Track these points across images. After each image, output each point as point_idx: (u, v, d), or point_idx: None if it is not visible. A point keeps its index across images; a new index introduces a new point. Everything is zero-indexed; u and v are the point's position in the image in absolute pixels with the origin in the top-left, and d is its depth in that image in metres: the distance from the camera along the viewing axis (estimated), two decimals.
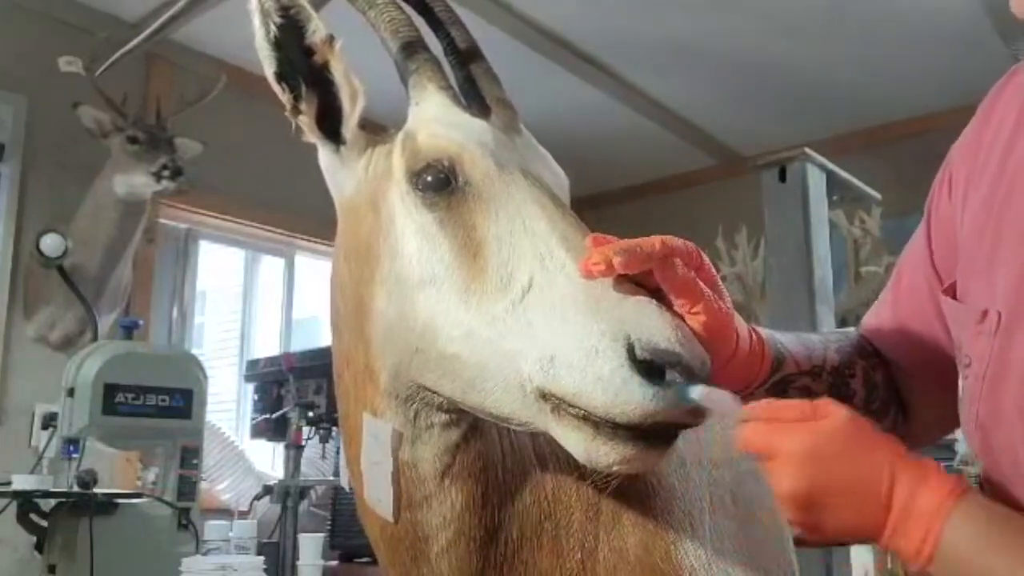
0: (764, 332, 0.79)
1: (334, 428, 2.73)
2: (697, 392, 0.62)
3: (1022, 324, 0.67)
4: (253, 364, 3.12)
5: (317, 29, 0.79)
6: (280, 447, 3.02)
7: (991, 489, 0.75)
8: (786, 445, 0.61)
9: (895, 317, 0.88)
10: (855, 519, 0.60)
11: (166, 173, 3.00)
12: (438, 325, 0.73)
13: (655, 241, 0.67)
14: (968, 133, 0.81)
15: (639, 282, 0.68)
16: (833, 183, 2.81)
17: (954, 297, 0.76)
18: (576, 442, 0.66)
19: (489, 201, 0.75)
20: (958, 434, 2.85)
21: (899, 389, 0.89)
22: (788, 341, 0.81)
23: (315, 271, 4.30)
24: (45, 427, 2.52)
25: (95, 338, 2.90)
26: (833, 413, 0.62)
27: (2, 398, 3.07)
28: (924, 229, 0.85)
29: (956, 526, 0.57)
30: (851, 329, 0.94)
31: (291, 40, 0.80)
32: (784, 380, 0.79)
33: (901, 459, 0.60)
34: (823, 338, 0.87)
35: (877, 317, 0.91)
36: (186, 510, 2.33)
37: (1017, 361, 0.67)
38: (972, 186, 0.77)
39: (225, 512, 3.39)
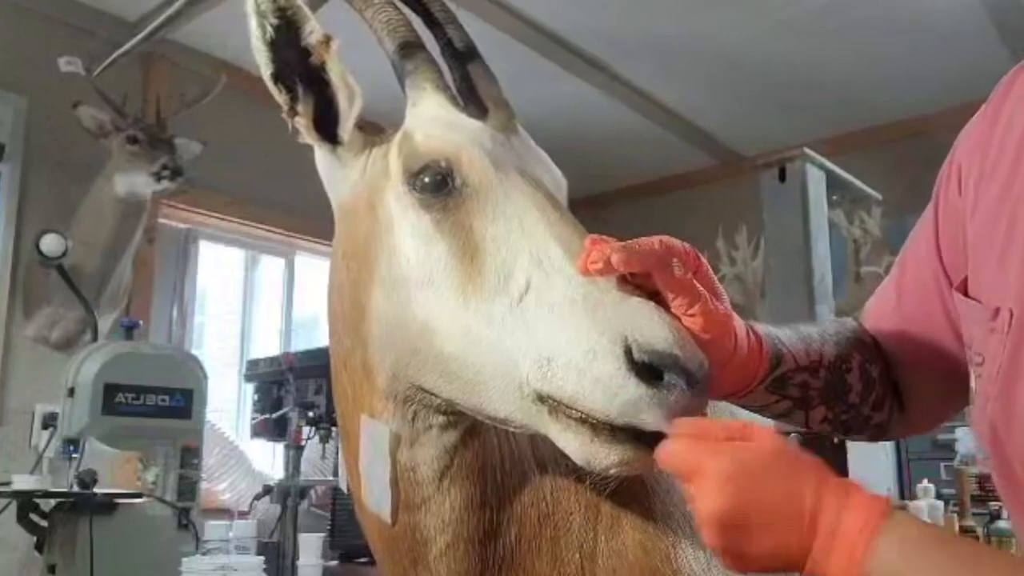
0: (762, 329, 0.78)
1: (334, 428, 2.73)
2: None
3: None
4: (253, 364, 3.11)
5: (314, 30, 0.79)
6: (280, 447, 3.01)
7: (1000, 489, 0.74)
8: (711, 464, 0.58)
9: (898, 310, 0.88)
10: (778, 542, 0.57)
11: (166, 173, 3.00)
12: (435, 326, 0.73)
13: (654, 241, 0.67)
14: (976, 126, 0.80)
15: (637, 284, 0.68)
16: (833, 183, 2.82)
17: (965, 294, 0.76)
18: (574, 444, 0.66)
19: (486, 202, 0.75)
20: (958, 434, 2.86)
21: (896, 382, 0.88)
22: (785, 337, 0.81)
23: (315, 271, 4.31)
24: (45, 427, 2.52)
25: (95, 338, 2.91)
26: (760, 435, 0.60)
27: (2, 398, 3.08)
28: (931, 223, 0.84)
29: (884, 545, 0.55)
30: (849, 320, 0.93)
31: (288, 41, 0.79)
32: (782, 377, 0.79)
33: (826, 482, 0.58)
34: (820, 331, 0.86)
35: (879, 311, 0.91)
36: (186, 510, 2.33)
37: None
38: (983, 183, 0.76)
39: (225, 512, 3.39)
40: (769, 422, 0.91)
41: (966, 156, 0.80)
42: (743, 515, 0.57)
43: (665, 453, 0.60)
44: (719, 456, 0.58)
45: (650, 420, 0.62)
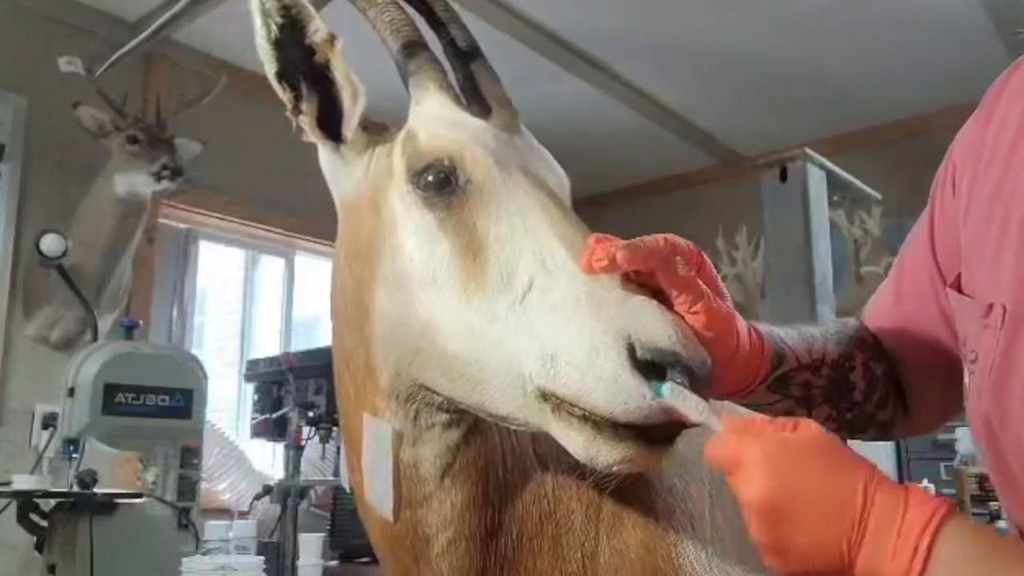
0: (763, 328, 0.78)
1: (334, 428, 2.73)
2: (667, 389, 0.61)
3: None
4: (253, 364, 3.11)
5: (318, 29, 0.79)
6: (280, 447, 3.01)
7: (996, 486, 0.74)
8: (755, 451, 0.57)
9: (897, 311, 0.88)
10: (826, 535, 0.55)
11: (166, 173, 3.00)
12: (438, 325, 0.73)
13: (658, 239, 0.67)
14: (970, 128, 0.81)
15: (640, 282, 0.68)
16: (833, 183, 2.82)
17: (959, 291, 0.76)
18: (576, 442, 0.66)
19: (490, 201, 0.75)
20: (958, 434, 2.86)
21: (899, 382, 0.88)
22: (788, 336, 0.81)
23: (315, 271, 4.31)
24: (45, 427, 2.52)
25: (95, 338, 2.90)
26: (809, 425, 0.59)
27: (2, 398, 3.07)
28: (927, 224, 0.85)
29: (947, 543, 0.52)
30: (852, 320, 0.93)
31: (292, 40, 0.79)
32: (785, 376, 0.79)
33: (879, 478, 0.56)
34: (823, 330, 0.86)
35: (878, 310, 0.91)
36: (186, 510, 2.33)
37: (1023, 356, 0.66)
38: (977, 181, 0.77)
39: (225, 512, 3.39)
40: None
41: (960, 158, 0.81)
42: (785, 499, 0.56)
43: (710, 447, 0.60)
44: (761, 441, 0.57)
45: (692, 415, 0.61)
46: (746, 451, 0.58)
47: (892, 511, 0.54)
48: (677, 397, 0.61)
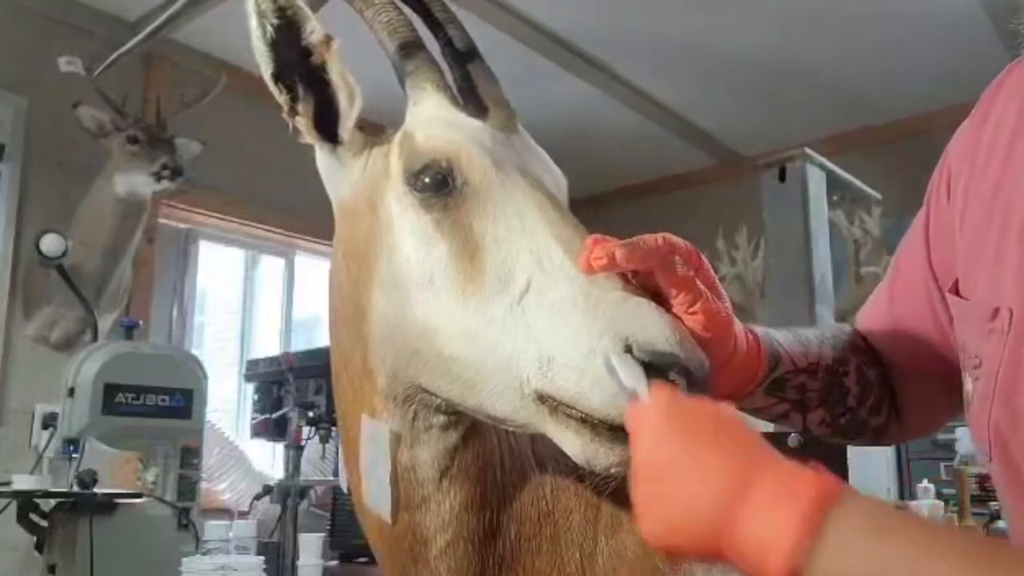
0: (760, 331, 0.78)
1: (334, 428, 2.73)
2: (616, 361, 0.60)
3: None
4: (253, 364, 3.11)
5: (314, 30, 0.79)
6: (280, 447, 3.01)
7: (1003, 491, 0.74)
8: (653, 414, 0.56)
9: (891, 315, 0.88)
10: (702, 502, 0.52)
11: (166, 173, 3.01)
12: (436, 326, 0.73)
13: (657, 238, 0.67)
14: (965, 131, 0.81)
15: (638, 283, 0.68)
16: (833, 183, 2.82)
17: (958, 295, 0.76)
18: (574, 444, 0.66)
19: (487, 202, 0.75)
20: (958, 434, 2.86)
21: (893, 387, 0.88)
22: (783, 339, 0.81)
23: (315, 271, 4.31)
24: (45, 427, 2.52)
25: (95, 338, 2.90)
26: (726, 406, 0.57)
27: (2, 398, 3.08)
28: (921, 229, 0.85)
29: (840, 516, 0.49)
30: (846, 325, 0.93)
31: (288, 41, 0.79)
32: (780, 379, 0.79)
33: (776, 457, 0.53)
34: (818, 334, 0.86)
35: (872, 314, 0.91)
36: (186, 510, 2.33)
37: None
38: (973, 184, 0.76)
39: (225, 512, 3.39)
40: (769, 426, 0.91)
41: (956, 161, 0.81)
42: (667, 459, 0.54)
43: (628, 418, 0.60)
44: (657, 407, 0.57)
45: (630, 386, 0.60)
46: (646, 415, 0.57)
47: (784, 485, 0.51)
48: (627, 374, 0.60)
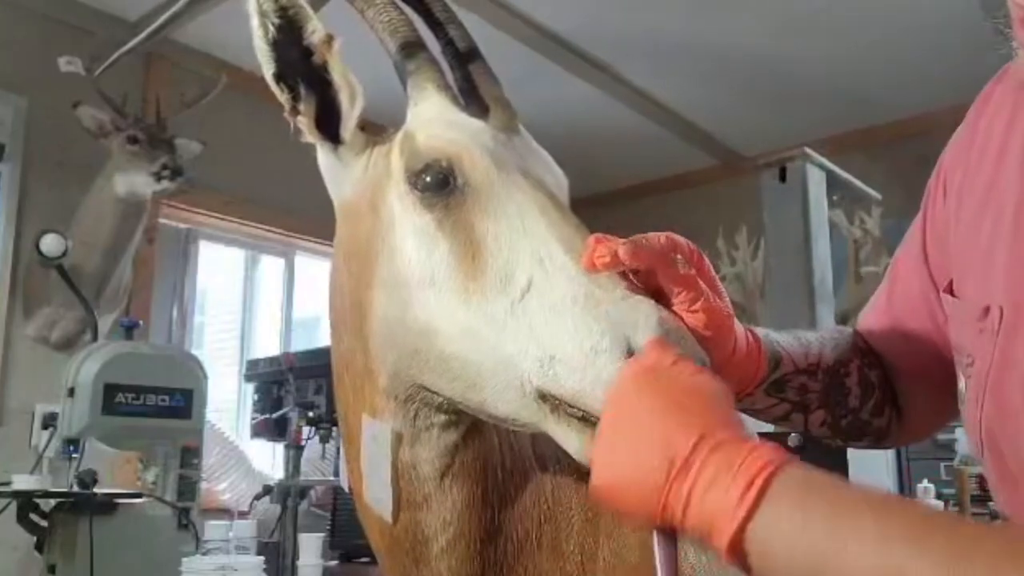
0: (760, 332, 0.79)
1: (334, 428, 2.73)
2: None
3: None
4: (253, 364, 3.12)
5: (316, 29, 0.79)
6: (280, 447, 3.01)
7: (996, 490, 0.74)
8: (626, 369, 0.59)
9: (890, 317, 0.88)
10: (663, 456, 0.52)
11: (166, 173, 3.00)
12: (437, 326, 0.73)
13: (659, 236, 0.68)
14: (959, 137, 0.81)
15: (640, 281, 0.68)
16: (833, 183, 2.82)
17: (952, 295, 0.76)
18: (575, 443, 0.66)
19: (488, 202, 0.75)
20: (958, 434, 2.86)
21: (894, 387, 0.89)
22: (784, 340, 0.81)
23: (315, 271, 4.31)
24: (45, 427, 2.52)
25: (95, 338, 2.90)
26: (704, 371, 0.58)
27: (2, 398, 3.08)
28: (919, 231, 0.86)
29: (785, 482, 0.50)
30: (847, 327, 0.94)
31: (290, 40, 0.79)
32: (781, 380, 0.79)
33: (734, 430, 0.54)
34: (819, 336, 0.87)
35: (872, 316, 0.91)
36: (186, 510, 2.33)
37: (1021, 358, 0.66)
38: (967, 186, 0.77)
39: (225, 512, 3.39)
40: (769, 426, 0.92)
41: (950, 165, 0.81)
42: (622, 421, 0.56)
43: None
44: (643, 367, 0.58)
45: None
46: (627, 368, 0.59)
47: (732, 456, 0.52)
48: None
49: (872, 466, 2.30)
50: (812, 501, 0.50)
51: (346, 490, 0.93)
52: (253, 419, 2.98)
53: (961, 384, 0.75)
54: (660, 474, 0.53)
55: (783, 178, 2.68)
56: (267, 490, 2.85)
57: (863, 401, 0.85)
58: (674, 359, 0.59)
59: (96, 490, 2.13)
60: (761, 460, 0.51)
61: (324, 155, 0.86)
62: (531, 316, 0.68)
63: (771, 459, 0.51)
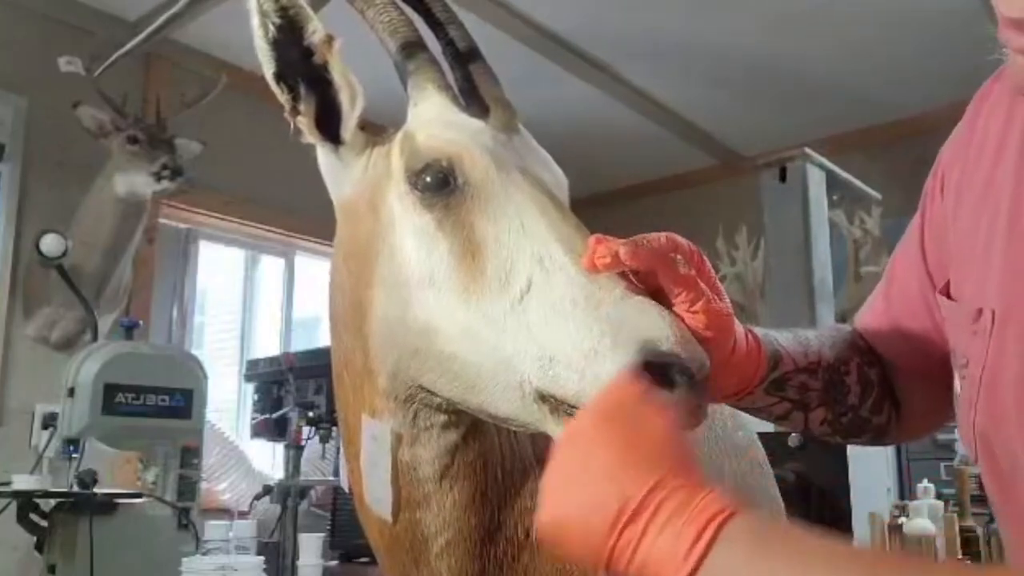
0: (759, 331, 0.79)
1: (334, 428, 2.73)
2: None
3: (1015, 322, 0.67)
4: (253, 364, 3.11)
5: (316, 29, 0.79)
6: (280, 447, 3.01)
7: (990, 492, 0.74)
8: (596, 400, 0.58)
9: (888, 316, 0.88)
10: (615, 498, 0.52)
11: (166, 173, 3.00)
12: (437, 326, 0.73)
13: (660, 237, 0.68)
14: (957, 136, 0.81)
15: (640, 282, 0.68)
16: (833, 183, 2.82)
17: (948, 296, 0.76)
18: None
19: (488, 202, 0.75)
20: (958, 434, 2.86)
21: (893, 385, 0.89)
22: (784, 339, 0.81)
23: (315, 271, 4.31)
24: (45, 427, 2.52)
25: (95, 338, 2.90)
26: (664, 411, 0.57)
27: (2, 398, 3.08)
28: (917, 231, 0.85)
29: (734, 532, 0.50)
30: (846, 326, 0.94)
31: (290, 40, 0.79)
32: (781, 379, 0.79)
33: (687, 476, 0.53)
34: (818, 334, 0.87)
35: (870, 315, 0.91)
36: (186, 510, 2.33)
37: (1012, 361, 0.66)
38: (964, 187, 0.77)
39: (225, 512, 3.39)
40: (769, 426, 0.92)
41: (948, 165, 0.81)
42: (579, 456, 0.55)
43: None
44: (606, 399, 0.57)
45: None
46: (593, 399, 0.58)
47: (684, 504, 0.52)
48: None
49: (872, 466, 2.31)
50: (763, 550, 0.50)
51: (346, 490, 0.93)
52: (253, 419, 2.98)
53: (956, 385, 0.75)
54: (610, 516, 0.52)
55: (783, 178, 2.68)
56: (267, 490, 2.85)
57: (863, 399, 0.85)
58: (640, 395, 0.58)
59: (96, 490, 2.13)
60: (712, 508, 0.51)
61: (324, 155, 0.86)
62: (531, 316, 0.68)
63: (723, 507, 0.51)
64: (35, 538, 2.21)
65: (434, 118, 0.80)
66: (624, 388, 0.59)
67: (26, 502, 2.14)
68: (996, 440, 0.69)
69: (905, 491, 3.19)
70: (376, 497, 0.83)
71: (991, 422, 0.69)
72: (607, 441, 0.55)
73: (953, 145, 0.81)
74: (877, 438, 0.89)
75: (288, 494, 2.72)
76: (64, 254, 2.85)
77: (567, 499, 0.55)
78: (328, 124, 0.83)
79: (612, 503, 0.52)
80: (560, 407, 0.66)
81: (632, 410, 0.57)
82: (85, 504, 2.09)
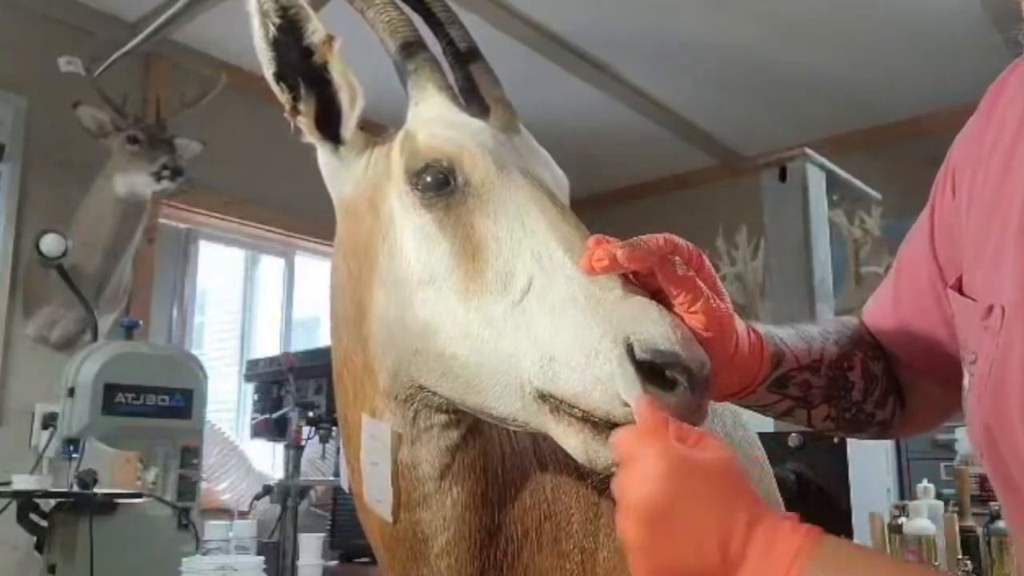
0: (762, 329, 0.78)
1: (334, 428, 2.73)
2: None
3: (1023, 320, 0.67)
4: (253, 364, 3.11)
5: (316, 29, 0.79)
6: (280, 447, 3.01)
7: (996, 489, 0.74)
8: (652, 456, 0.57)
9: (895, 310, 0.88)
10: (697, 554, 0.55)
11: (166, 173, 3.00)
12: (437, 326, 0.73)
13: (658, 238, 0.67)
14: (970, 129, 0.81)
15: (640, 283, 0.68)
16: (833, 183, 2.82)
17: (960, 292, 0.76)
18: (575, 443, 0.66)
19: (488, 201, 0.75)
20: (958, 434, 2.86)
21: (898, 378, 0.88)
22: (786, 336, 0.81)
23: (315, 271, 4.31)
24: (45, 427, 2.52)
25: (95, 338, 2.90)
26: (713, 447, 0.59)
27: (2, 398, 3.08)
28: (927, 225, 0.85)
29: (817, 563, 0.54)
30: (852, 318, 0.93)
31: (290, 40, 0.79)
32: (784, 377, 0.79)
33: (762, 511, 0.57)
34: (822, 330, 0.86)
35: (877, 309, 0.91)
36: (186, 510, 2.33)
37: (1019, 358, 0.66)
38: (977, 182, 0.77)
39: (225, 512, 3.39)
40: (769, 425, 0.92)
41: (960, 160, 0.81)
42: (671, 512, 0.56)
43: (616, 438, 0.61)
44: (665, 451, 0.57)
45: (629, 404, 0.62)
46: (647, 454, 0.58)
47: (770, 541, 0.55)
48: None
49: (872, 466, 2.31)
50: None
51: (346, 490, 0.93)
52: (253, 419, 2.98)
53: (965, 380, 0.75)
54: (714, 559, 0.55)
55: (783, 178, 2.68)
56: (267, 490, 2.85)
57: (866, 394, 0.85)
58: (678, 434, 0.59)
59: (96, 490, 2.13)
60: (793, 544, 0.55)
61: (324, 155, 0.86)
62: (531, 316, 0.68)
63: (802, 541, 0.55)
64: (35, 538, 2.21)
65: (435, 118, 0.80)
66: (658, 431, 0.59)
67: (26, 502, 2.14)
68: (1001, 436, 0.69)
69: (905, 491, 3.19)
70: (376, 497, 0.83)
71: (997, 420, 0.69)
72: (689, 492, 0.57)
73: (965, 139, 0.81)
74: (881, 432, 0.89)
75: (288, 494, 2.72)
76: (64, 254, 2.85)
77: (670, 553, 0.57)
78: (328, 124, 0.84)
79: (716, 553, 0.55)
80: (560, 407, 0.66)
81: (691, 458, 0.58)
82: (85, 504, 2.09)
